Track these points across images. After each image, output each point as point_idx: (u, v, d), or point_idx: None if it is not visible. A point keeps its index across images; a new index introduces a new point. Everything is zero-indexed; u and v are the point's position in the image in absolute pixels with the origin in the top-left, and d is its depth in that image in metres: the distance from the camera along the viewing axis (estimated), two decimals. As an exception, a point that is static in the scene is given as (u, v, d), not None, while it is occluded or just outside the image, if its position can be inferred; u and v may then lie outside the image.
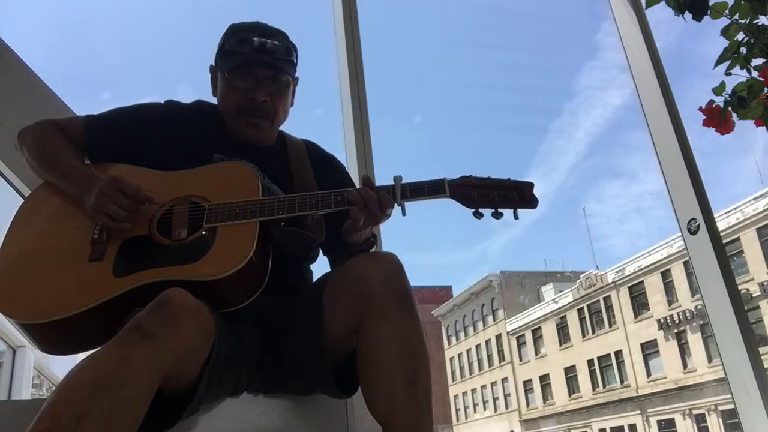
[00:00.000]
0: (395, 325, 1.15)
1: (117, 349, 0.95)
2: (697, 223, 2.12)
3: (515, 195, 1.25)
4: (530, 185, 1.27)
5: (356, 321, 1.17)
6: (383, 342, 1.14)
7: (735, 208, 21.00)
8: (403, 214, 1.26)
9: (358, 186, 1.36)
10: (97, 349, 0.98)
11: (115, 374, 0.92)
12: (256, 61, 1.38)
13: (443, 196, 1.24)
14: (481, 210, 1.24)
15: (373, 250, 1.37)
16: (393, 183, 1.26)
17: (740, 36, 1.91)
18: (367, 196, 1.23)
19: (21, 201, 1.38)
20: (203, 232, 1.21)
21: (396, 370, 1.13)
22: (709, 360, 21.80)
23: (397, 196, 1.24)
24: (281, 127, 1.53)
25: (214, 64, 1.47)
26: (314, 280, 1.38)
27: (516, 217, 1.24)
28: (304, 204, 1.24)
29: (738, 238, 20.54)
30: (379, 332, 1.15)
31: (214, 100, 1.49)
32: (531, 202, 1.26)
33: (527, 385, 31.46)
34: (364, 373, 1.17)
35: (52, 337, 1.19)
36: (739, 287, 2.16)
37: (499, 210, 1.24)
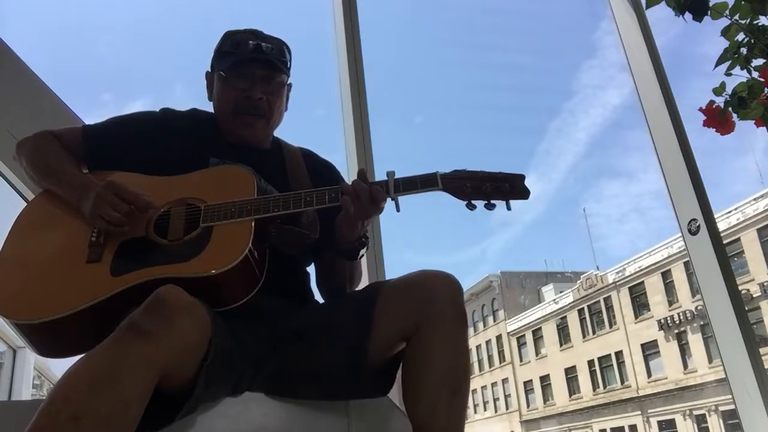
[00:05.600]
0: (452, 338, 1.18)
1: (113, 347, 0.95)
2: (697, 224, 2.12)
3: (507, 186, 1.26)
4: (521, 177, 1.28)
5: (410, 331, 1.19)
6: (438, 354, 1.17)
7: (735, 209, 21.02)
8: (397, 209, 1.26)
9: None
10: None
11: (112, 372, 0.92)
12: (252, 59, 1.41)
13: (436, 189, 1.25)
14: (473, 202, 1.25)
15: (363, 251, 1.36)
16: (386, 178, 1.26)
17: (740, 36, 1.91)
18: (359, 189, 1.24)
19: (24, 205, 1.38)
20: (199, 232, 1.22)
21: (444, 381, 1.17)
22: (710, 360, 21.81)
23: (390, 189, 1.25)
24: (278, 134, 1.55)
25: (210, 70, 1.50)
26: (368, 288, 1.36)
27: (509, 208, 1.26)
28: (299, 201, 1.25)
29: (738, 239, 20.55)
30: (436, 344, 1.17)
31: (209, 108, 1.51)
32: (523, 193, 1.27)
33: (528, 385, 31.46)
34: (412, 377, 1.19)
35: (50, 339, 1.19)
36: (740, 288, 2.16)
37: (492, 201, 1.26)
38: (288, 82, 1.49)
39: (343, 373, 1.23)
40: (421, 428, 1.17)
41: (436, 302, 1.18)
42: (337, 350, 1.22)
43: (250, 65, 1.41)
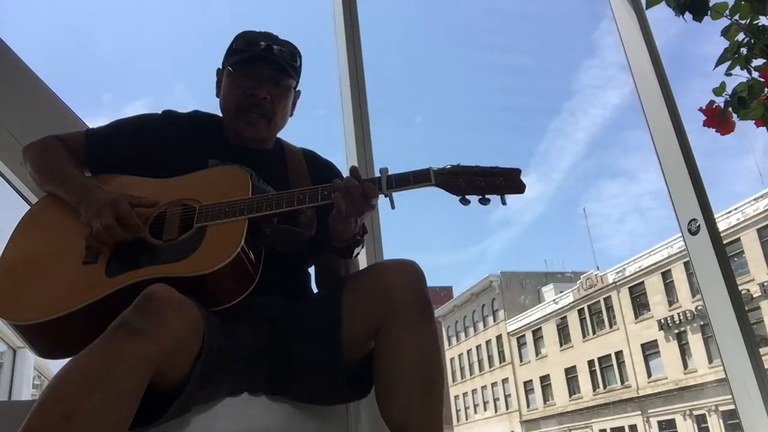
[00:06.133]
0: (416, 333, 1.16)
1: (104, 346, 0.96)
2: (697, 224, 2.12)
3: (502, 181, 1.24)
4: (517, 171, 1.26)
5: (375, 326, 1.17)
6: (404, 349, 1.15)
7: (735, 209, 21.01)
8: (392, 207, 1.25)
9: None
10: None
11: (103, 370, 0.92)
12: (261, 58, 1.42)
13: (429, 184, 1.24)
14: (467, 197, 1.23)
15: (358, 249, 1.36)
16: (379, 174, 1.26)
17: (740, 36, 1.90)
18: (350, 185, 1.23)
19: (27, 207, 1.40)
20: (193, 232, 1.23)
21: (414, 378, 1.14)
22: (710, 360, 21.80)
23: (383, 185, 1.23)
24: (278, 134, 1.55)
25: (221, 67, 1.51)
26: (332, 285, 1.37)
27: (504, 203, 1.23)
28: (292, 200, 1.25)
29: (738, 239, 20.55)
30: (401, 340, 1.15)
31: (211, 109, 1.52)
32: (518, 188, 1.24)
33: (528, 385, 31.45)
34: (381, 378, 1.17)
35: (47, 340, 1.20)
36: (740, 288, 2.16)
37: (486, 196, 1.23)
38: (296, 87, 1.50)
39: (320, 375, 1.22)
40: (397, 430, 1.14)
41: (396, 294, 1.16)
42: (312, 350, 1.21)
43: (259, 65, 1.42)
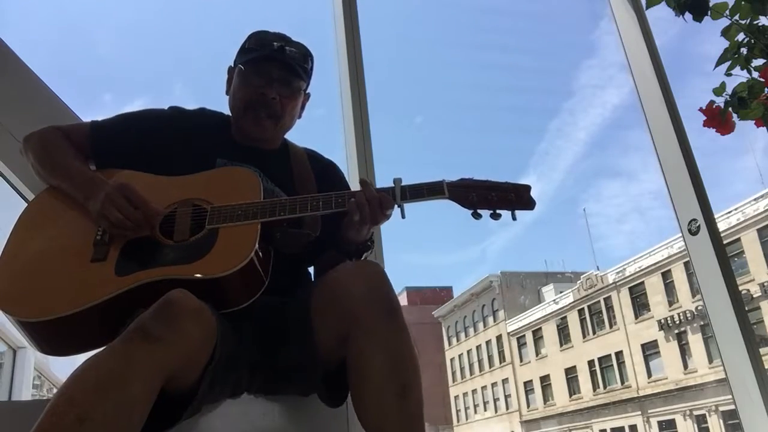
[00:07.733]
0: (382, 338, 1.11)
1: (120, 349, 0.95)
2: (697, 224, 2.12)
3: (513, 196, 1.28)
4: (527, 188, 1.30)
5: (344, 332, 1.14)
6: (370, 356, 1.11)
7: (736, 209, 21.01)
8: (402, 216, 1.27)
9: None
10: (100, 349, 0.98)
11: (118, 375, 0.92)
12: (273, 58, 1.42)
13: (442, 197, 1.26)
14: (479, 211, 1.26)
15: (367, 254, 1.37)
16: (393, 185, 1.27)
17: (740, 36, 1.90)
18: (369, 195, 1.24)
19: (24, 205, 1.38)
20: (205, 233, 1.22)
21: (385, 384, 1.10)
22: (710, 361, 21.80)
23: (397, 197, 1.25)
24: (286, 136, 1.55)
25: (232, 65, 1.50)
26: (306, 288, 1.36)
27: (514, 218, 1.27)
28: (305, 205, 1.26)
29: (739, 239, 20.55)
30: (366, 346, 1.12)
31: (216, 107, 1.52)
32: (528, 204, 1.28)
33: (528, 385, 31.45)
34: (353, 386, 1.14)
35: (52, 337, 1.19)
36: (740, 288, 2.16)
37: (497, 211, 1.26)
38: (306, 90, 1.50)
39: (306, 373, 1.22)
40: None
41: (357, 300, 1.13)
42: (295, 350, 1.21)
43: (270, 65, 1.42)
